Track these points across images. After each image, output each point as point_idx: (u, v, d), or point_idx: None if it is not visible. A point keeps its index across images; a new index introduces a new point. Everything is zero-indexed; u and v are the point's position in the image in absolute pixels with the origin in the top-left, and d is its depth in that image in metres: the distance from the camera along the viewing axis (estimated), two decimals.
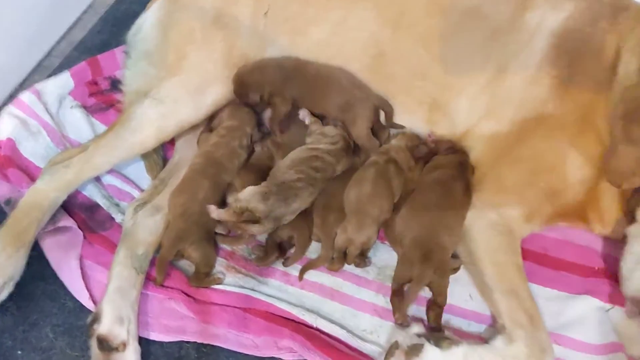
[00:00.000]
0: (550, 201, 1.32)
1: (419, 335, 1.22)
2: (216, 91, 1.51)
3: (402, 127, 1.52)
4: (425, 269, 1.25)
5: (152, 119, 1.46)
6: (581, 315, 1.32)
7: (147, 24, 1.60)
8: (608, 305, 1.33)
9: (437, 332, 1.24)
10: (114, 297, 1.27)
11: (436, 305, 1.27)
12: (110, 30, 2.05)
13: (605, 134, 1.28)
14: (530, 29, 1.39)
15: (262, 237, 1.45)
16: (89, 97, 1.78)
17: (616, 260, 1.36)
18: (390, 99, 1.52)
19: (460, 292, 1.35)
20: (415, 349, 1.18)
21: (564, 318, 1.32)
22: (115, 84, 1.81)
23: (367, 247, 1.35)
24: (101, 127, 1.70)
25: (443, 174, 1.36)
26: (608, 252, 1.42)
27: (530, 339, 1.17)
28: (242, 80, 1.51)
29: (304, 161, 1.41)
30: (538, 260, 1.41)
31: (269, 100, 1.51)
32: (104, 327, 1.23)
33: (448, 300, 1.31)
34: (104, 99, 1.79)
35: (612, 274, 1.37)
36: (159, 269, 1.33)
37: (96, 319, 1.25)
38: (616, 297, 1.32)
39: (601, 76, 1.32)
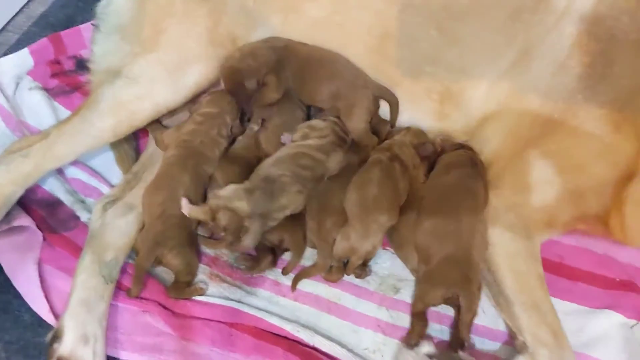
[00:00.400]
0: (575, 203, 1.19)
1: (429, 357, 1.08)
2: (198, 71, 1.33)
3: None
4: (472, 291, 1.11)
5: (124, 101, 1.28)
6: (604, 332, 1.20)
7: None
8: (632, 321, 1.21)
9: (448, 353, 1.10)
10: (78, 311, 1.09)
11: (467, 321, 1.12)
12: (75, 5, 1.86)
13: None
14: (557, 11, 1.25)
15: None
16: (51, 78, 1.59)
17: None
18: (394, 87, 1.37)
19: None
20: None
21: (586, 335, 1.19)
22: (80, 64, 1.63)
23: (371, 256, 1.20)
24: (65, 113, 1.53)
25: (461, 174, 1.22)
26: (629, 262, 1.30)
27: (557, 359, 1.05)
28: (235, 69, 1.34)
29: (288, 158, 1.25)
30: (553, 269, 1.29)
31: (263, 82, 1.35)
32: (66, 347, 1.06)
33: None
34: (68, 80, 1.60)
35: (635, 286, 1.25)
36: (135, 279, 1.16)
37: (57, 336, 1.08)
38: None
39: None
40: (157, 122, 1.35)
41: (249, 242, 1.17)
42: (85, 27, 1.68)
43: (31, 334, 1.15)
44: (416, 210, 1.22)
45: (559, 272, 1.29)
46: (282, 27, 1.39)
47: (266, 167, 1.24)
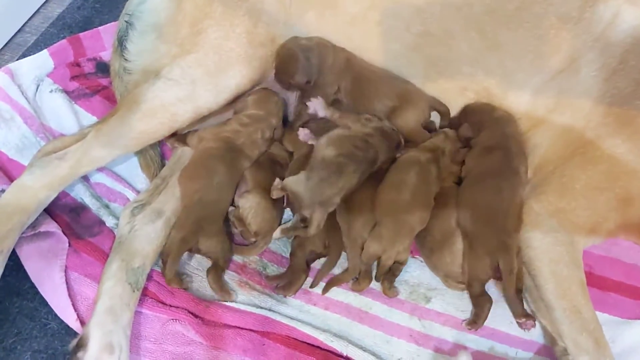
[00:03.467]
0: (622, 210, 1.17)
1: None
2: (239, 72, 1.29)
3: None
4: (511, 255, 1.14)
5: (166, 103, 1.24)
6: (636, 343, 1.19)
7: None
8: None
9: None
10: (104, 319, 1.07)
11: (511, 286, 1.14)
12: (92, 7, 1.83)
13: None
14: (604, 20, 1.25)
15: (278, 249, 1.27)
16: (71, 81, 1.57)
17: None
18: (428, 83, 1.35)
19: (503, 314, 1.20)
20: None
21: (618, 346, 1.18)
22: (100, 67, 1.61)
23: (402, 259, 1.18)
24: (85, 116, 1.50)
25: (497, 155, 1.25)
26: None
27: None
28: (293, 56, 1.32)
29: (343, 139, 1.23)
30: None
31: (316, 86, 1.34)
32: (91, 356, 1.03)
33: (491, 325, 1.17)
34: (88, 83, 1.58)
35: None
36: (171, 264, 1.15)
37: (81, 345, 1.05)
38: None
39: None
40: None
41: (313, 230, 1.16)
42: (104, 29, 1.66)
43: (59, 342, 1.12)
44: (446, 213, 1.22)
45: (589, 282, 1.25)
46: (317, 24, 1.37)
47: (320, 148, 1.22)
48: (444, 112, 1.34)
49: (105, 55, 1.61)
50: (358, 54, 1.37)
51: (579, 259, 1.17)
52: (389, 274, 1.19)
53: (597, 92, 1.23)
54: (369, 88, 1.33)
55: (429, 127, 1.34)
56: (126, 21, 1.40)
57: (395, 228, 1.16)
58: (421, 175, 1.21)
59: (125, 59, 1.37)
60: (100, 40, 1.65)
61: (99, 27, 1.67)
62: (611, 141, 1.19)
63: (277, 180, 1.21)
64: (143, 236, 1.20)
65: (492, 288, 1.21)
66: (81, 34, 1.64)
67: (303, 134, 1.30)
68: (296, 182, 1.17)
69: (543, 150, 1.27)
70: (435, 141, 1.29)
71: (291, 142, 1.34)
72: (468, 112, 1.33)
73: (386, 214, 1.18)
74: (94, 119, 1.49)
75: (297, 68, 1.31)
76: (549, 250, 1.16)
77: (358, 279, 1.19)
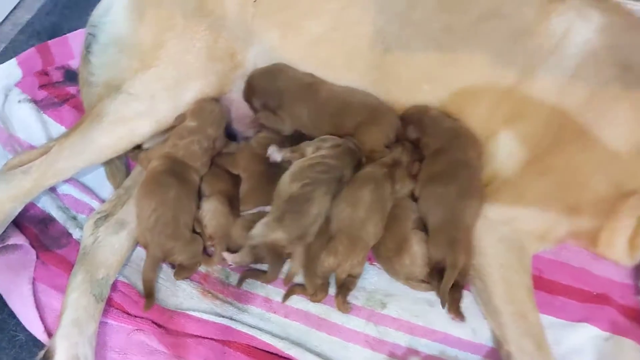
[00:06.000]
0: (572, 219, 1.23)
1: None
2: (198, 87, 1.34)
3: None
4: (457, 251, 1.20)
5: (126, 117, 1.29)
6: (580, 345, 1.25)
7: (118, 4, 1.41)
8: (607, 334, 1.26)
9: None
10: (69, 332, 1.11)
11: (459, 287, 1.21)
12: (60, 13, 1.86)
13: None
14: (557, 34, 1.30)
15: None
16: (39, 90, 1.60)
17: (616, 285, 1.33)
18: (393, 101, 1.40)
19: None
20: None
21: (563, 348, 1.24)
22: (69, 76, 1.64)
23: (355, 272, 1.24)
24: (54, 126, 1.54)
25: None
26: (605, 275, 1.36)
27: None
28: (249, 82, 1.38)
29: (304, 169, 1.27)
30: (533, 283, 1.31)
31: (274, 111, 1.38)
32: None
33: (443, 329, 1.24)
34: (57, 92, 1.61)
35: (610, 299, 1.31)
36: (148, 291, 1.21)
37: (48, 357, 1.10)
38: (617, 325, 1.27)
39: None
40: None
41: (296, 268, 1.22)
42: (72, 37, 1.69)
43: (27, 354, 1.17)
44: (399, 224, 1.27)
45: (539, 285, 1.33)
46: (280, 43, 1.41)
47: (285, 187, 1.26)
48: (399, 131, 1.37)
49: (74, 63, 1.64)
50: (322, 73, 1.41)
51: (527, 265, 1.24)
52: (343, 288, 1.24)
53: (551, 105, 1.28)
54: (339, 111, 1.36)
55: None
56: (90, 33, 1.43)
57: (349, 244, 1.21)
58: (376, 193, 1.26)
59: (90, 72, 1.40)
60: (69, 48, 1.68)
61: (68, 35, 1.70)
62: (564, 152, 1.25)
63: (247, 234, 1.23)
64: (107, 247, 1.25)
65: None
66: (50, 42, 1.67)
67: (272, 152, 1.33)
68: (269, 230, 1.20)
69: (498, 160, 1.32)
70: (393, 155, 1.33)
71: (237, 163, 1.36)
72: (406, 118, 1.37)
73: (341, 230, 1.23)
74: (63, 128, 1.52)
75: (254, 93, 1.36)
76: (500, 256, 1.22)
77: (315, 292, 1.24)
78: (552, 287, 1.34)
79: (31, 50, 1.63)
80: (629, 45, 1.31)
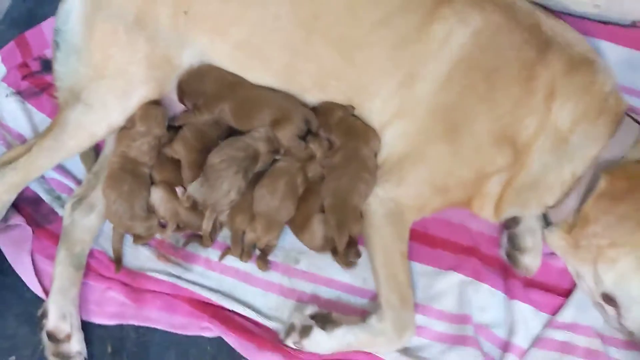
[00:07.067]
0: (443, 196, 1.55)
1: (311, 317, 1.52)
2: (142, 94, 1.59)
3: None
4: (342, 230, 1.54)
5: (85, 125, 1.57)
6: (446, 288, 1.62)
7: (74, 15, 1.62)
8: (469, 279, 1.63)
9: (325, 315, 1.53)
10: (56, 298, 1.53)
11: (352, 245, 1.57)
12: None
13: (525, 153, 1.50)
14: (438, 39, 1.52)
15: None
16: (22, 81, 1.86)
17: (485, 238, 1.68)
18: (305, 93, 1.65)
19: (349, 271, 1.62)
20: (306, 331, 1.49)
21: (433, 291, 1.62)
22: (45, 65, 1.88)
23: (272, 244, 1.61)
24: (38, 115, 1.83)
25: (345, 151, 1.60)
26: (479, 230, 1.69)
27: (397, 319, 1.47)
28: (179, 86, 1.64)
29: (228, 144, 1.60)
30: (419, 239, 1.67)
31: (201, 109, 1.65)
32: (51, 323, 1.51)
33: (338, 278, 1.63)
34: (36, 82, 1.87)
35: (478, 251, 1.66)
36: (117, 257, 1.63)
37: (44, 314, 1.53)
38: (478, 272, 1.63)
39: (527, 101, 1.49)
40: None
41: (205, 228, 1.57)
42: (46, 25, 1.89)
43: (33, 307, 1.59)
44: (306, 205, 1.61)
45: (423, 240, 1.68)
46: (210, 47, 1.63)
47: (211, 157, 1.58)
48: (314, 124, 1.63)
49: (49, 52, 1.86)
50: (245, 74, 1.65)
51: (405, 235, 1.57)
52: (262, 254, 1.62)
53: (428, 104, 1.54)
54: (253, 108, 1.62)
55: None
56: (55, 40, 1.68)
57: (266, 224, 1.56)
58: (289, 184, 1.57)
59: (57, 78, 1.68)
60: (44, 37, 1.90)
61: (42, 23, 1.92)
62: (436, 145, 1.54)
63: (183, 191, 1.59)
64: (80, 227, 1.62)
65: None
66: (27, 33, 1.89)
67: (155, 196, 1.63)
68: (194, 189, 1.56)
69: (389, 147, 1.60)
70: (308, 151, 1.62)
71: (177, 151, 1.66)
72: (317, 112, 1.64)
73: (260, 213, 1.57)
74: (44, 116, 1.82)
75: (185, 95, 1.64)
76: (382, 229, 1.54)
77: (242, 255, 1.62)
78: (434, 241, 1.69)
79: (11, 45, 1.87)
80: (499, 47, 1.52)
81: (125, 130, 1.64)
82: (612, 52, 1.88)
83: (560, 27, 1.60)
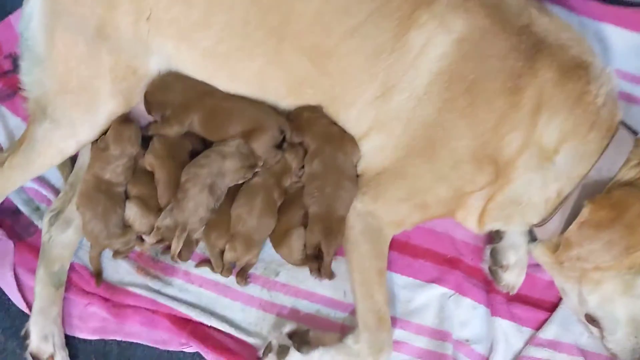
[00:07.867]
0: (422, 212, 1.49)
1: (289, 335, 1.52)
2: (109, 109, 1.54)
3: None
4: (330, 240, 1.51)
5: (52, 142, 1.53)
6: (427, 302, 1.60)
7: (34, 22, 1.53)
8: (451, 292, 1.60)
9: (302, 334, 1.52)
10: (37, 319, 1.55)
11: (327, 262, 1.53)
12: None
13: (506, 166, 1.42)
14: (415, 49, 1.41)
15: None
16: None
17: (470, 248, 1.63)
18: (280, 100, 1.57)
19: (329, 284, 1.60)
20: (283, 352, 1.49)
21: (413, 305, 1.60)
22: (16, 63, 1.81)
23: (252, 262, 1.59)
24: (12, 120, 1.79)
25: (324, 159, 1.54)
26: (463, 239, 1.64)
27: (373, 340, 1.46)
28: (145, 97, 1.57)
29: (193, 161, 1.56)
30: (400, 248, 1.64)
31: (169, 120, 1.58)
32: (33, 345, 1.55)
33: (319, 291, 1.62)
34: (9, 82, 1.81)
35: (461, 262, 1.62)
36: (96, 272, 1.63)
37: (26, 336, 1.56)
38: (460, 286, 1.59)
39: (511, 116, 1.39)
40: None
41: (174, 248, 1.54)
42: (15, 17, 1.83)
43: (19, 321, 1.63)
44: (284, 219, 1.57)
45: (405, 250, 1.65)
46: (176, 55, 1.54)
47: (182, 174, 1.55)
48: (289, 135, 1.57)
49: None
50: (216, 82, 1.56)
51: (383, 251, 1.52)
52: (242, 271, 1.60)
53: (406, 117, 1.45)
54: (223, 118, 1.55)
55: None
56: (20, 46, 1.61)
57: (246, 245, 1.54)
58: (265, 201, 1.54)
59: (23, 88, 1.62)
60: (14, 32, 1.83)
61: (10, 16, 1.85)
62: (414, 161, 1.46)
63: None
64: (59, 244, 1.62)
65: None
66: None
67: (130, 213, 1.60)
68: (162, 217, 1.54)
69: (367, 159, 1.54)
70: (283, 164, 1.56)
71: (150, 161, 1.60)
72: (290, 119, 1.57)
73: (239, 233, 1.53)
74: (19, 121, 1.78)
75: (152, 108, 1.57)
76: (359, 246, 1.51)
77: (222, 271, 1.60)
78: (415, 251, 1.65)
79: None
80: (483, 55, 1.40)
81: (98, 151, 1.59)
82: (619, 38, 1.74)
83: (555, 26, 1.46)
